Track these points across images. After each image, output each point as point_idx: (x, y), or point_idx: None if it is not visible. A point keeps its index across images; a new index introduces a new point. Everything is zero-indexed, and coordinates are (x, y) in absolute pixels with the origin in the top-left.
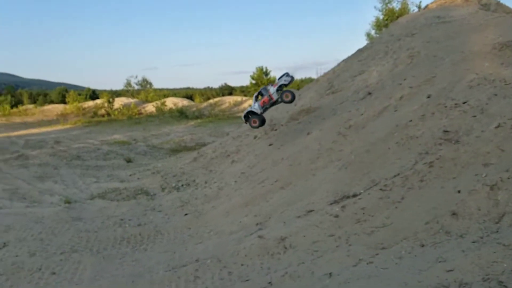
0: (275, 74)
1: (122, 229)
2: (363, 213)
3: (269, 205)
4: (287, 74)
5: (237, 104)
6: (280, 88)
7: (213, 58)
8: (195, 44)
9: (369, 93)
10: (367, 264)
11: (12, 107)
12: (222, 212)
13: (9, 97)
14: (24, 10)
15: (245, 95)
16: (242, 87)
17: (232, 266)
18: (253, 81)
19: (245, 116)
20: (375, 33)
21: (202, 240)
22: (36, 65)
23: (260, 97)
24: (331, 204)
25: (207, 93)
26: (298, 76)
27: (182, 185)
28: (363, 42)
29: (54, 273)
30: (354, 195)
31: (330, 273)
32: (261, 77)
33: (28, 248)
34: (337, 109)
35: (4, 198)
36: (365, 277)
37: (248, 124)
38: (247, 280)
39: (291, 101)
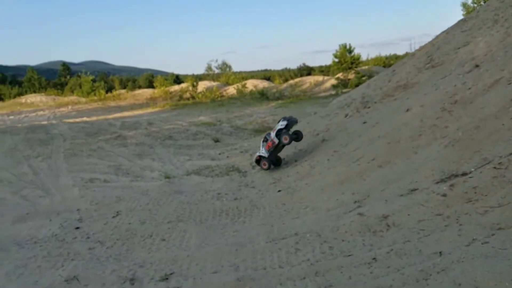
0: (359, 51)
1: (220, 202)
2: (475, 193)
3: (366, 184)
4: (283, 119)
5: (318, 84)
6: (280, 132)
7: (290, 39)
8: (272, 25)
9: (477, 66)
10: (482, 244)
11: (106, 92)
12: (316, 189)
13: (102, 83)
14: (113, 3)
15: (325, 75)
16: (321, 66)
17: (333, 241)
18: (336, 60)
19: (256, 161)
20: (472, 2)
21: (299, 215)
22: (125, 53)
23: (265, 142)
24: (438, 183)
25: (285, 74)
26: (383, 52)
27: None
28: (457, 13)
29: (164, 240)
30: (464, 174)
31: (440, 252)
32: (345, 55)
33: (139, 217)
34: (440, 84)
35: (110, 173)
36: (481, 256)
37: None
38: (350, 255)
39: (290, 143)
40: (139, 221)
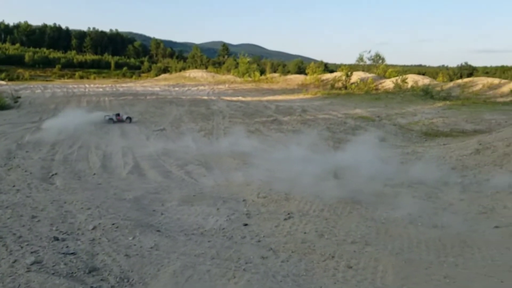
0: None
1: (414, 227)
2: None
3: None
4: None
5: (493, 87)
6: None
7: (452, 34)
8: (434, 18)
9: None
10: None
11: (260, 74)
12: None
13: (256, 65)
14: None
15: (496, 77)
16: (486, 67)
17: None
18: None
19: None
20: None
21: None
22: (278, 38)
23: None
24: None
25: (442, 71)
26: None
27: (471, 183)
28: None
29: (350, 267)
30: None
31: None
32: None
33: (315, 226)
34: None
35: (272, 160)
36: None
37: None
38: None
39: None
40: (316, 232)
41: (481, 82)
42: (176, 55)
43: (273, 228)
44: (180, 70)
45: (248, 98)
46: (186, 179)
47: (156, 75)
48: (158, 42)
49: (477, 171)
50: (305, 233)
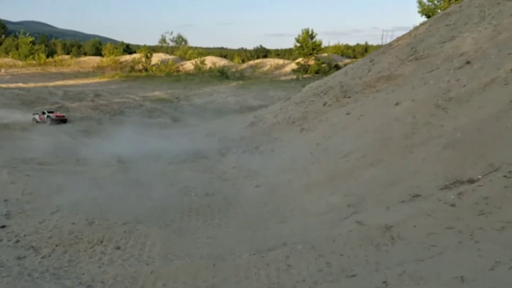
0: (321, 38)
1: (188, 198)
2: (487, 204)
3: (359, 184)
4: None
5: (279, 67)
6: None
7: (249, 19)
8: (233, 3)
9: (468, 62)
10: (509, 269)
11: (47, 56)
12: (301, 188)
13: (43, 46)
14: None
15: (281, 58)
16: (277, 50)
17: (330, 255)
18: (298, 44)
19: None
20: (428, 0)
21: (285, 219)
22: (70, 16)
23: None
24: (442, 189)
25: (242, 54)
26: (334, 41)
27: (244, 152)
28: (412, 10)
29: (118, 248)
30: (470, 181)
31: (461, 277)
32: (307, 40)
33: (86, 214)
34: (428, 78)
35: (49, 152)
36: None
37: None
38: (354, 276)
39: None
40: (86, 221)
41: (269, 63)
42: None
43: (37, 225)
44: None
45: (31, 84)
46: None
47: None
48: None
49: (251, 140)
50: (73, 223)
